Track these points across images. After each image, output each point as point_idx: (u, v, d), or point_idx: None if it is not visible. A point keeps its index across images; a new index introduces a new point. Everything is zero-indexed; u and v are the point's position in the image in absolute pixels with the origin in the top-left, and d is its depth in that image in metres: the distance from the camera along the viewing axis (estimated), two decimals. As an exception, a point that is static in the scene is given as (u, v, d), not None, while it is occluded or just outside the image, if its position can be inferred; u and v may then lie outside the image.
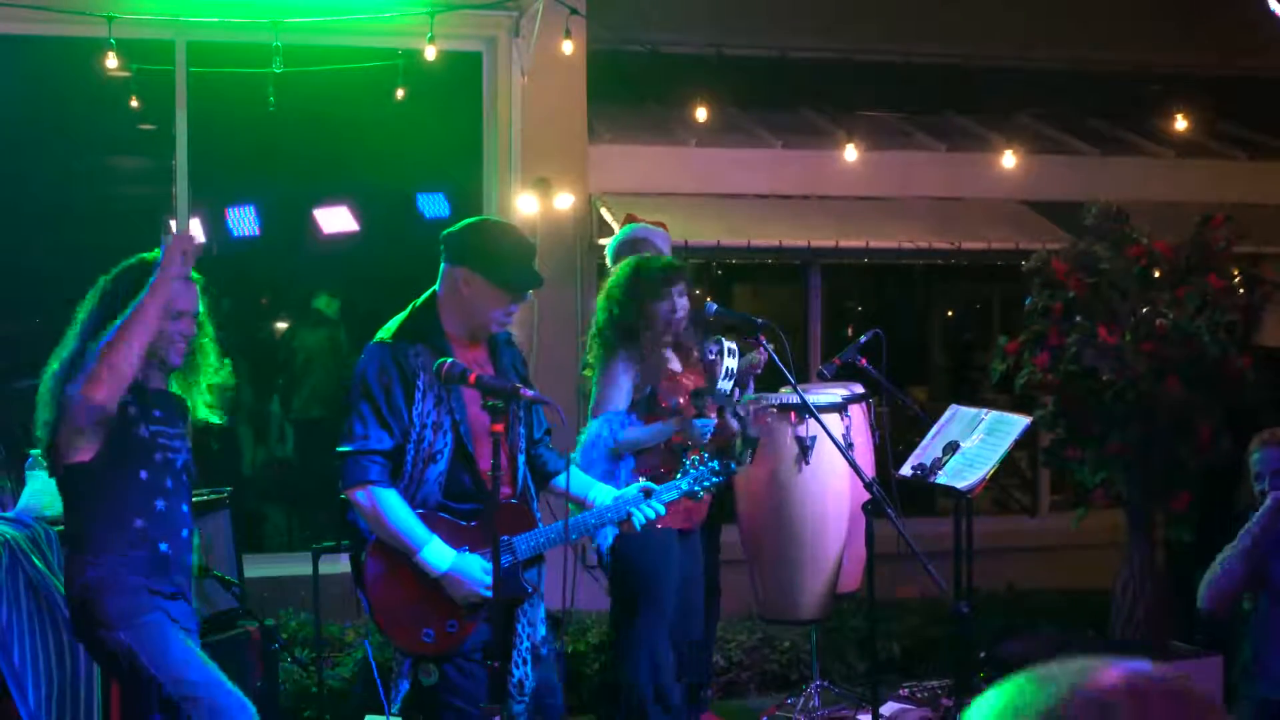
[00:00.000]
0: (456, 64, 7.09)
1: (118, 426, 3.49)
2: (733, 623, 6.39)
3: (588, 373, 4.85)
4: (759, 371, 5.01)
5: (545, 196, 6.89)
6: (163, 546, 3.53)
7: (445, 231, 3.81)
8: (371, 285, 8.41)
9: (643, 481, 3.97)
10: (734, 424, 4.78)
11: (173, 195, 6.76)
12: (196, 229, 3.56)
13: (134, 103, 6.86)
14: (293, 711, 5.63)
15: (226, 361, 3.82)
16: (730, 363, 4.76)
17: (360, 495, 3.60)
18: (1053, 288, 5.96)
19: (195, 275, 3.57)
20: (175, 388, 3.72)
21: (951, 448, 4.97)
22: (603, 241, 6.91)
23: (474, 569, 3.60)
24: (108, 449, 3.48)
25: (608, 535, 4.42)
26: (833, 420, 5.11)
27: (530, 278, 3.76)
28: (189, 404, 3.75)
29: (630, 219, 5.68)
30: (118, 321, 3.40)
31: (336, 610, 5.49)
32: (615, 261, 5.23)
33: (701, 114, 7.48)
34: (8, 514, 4.62)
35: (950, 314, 10.53)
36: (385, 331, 3.75)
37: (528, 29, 6.82)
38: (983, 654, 5.59)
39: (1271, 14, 5.07)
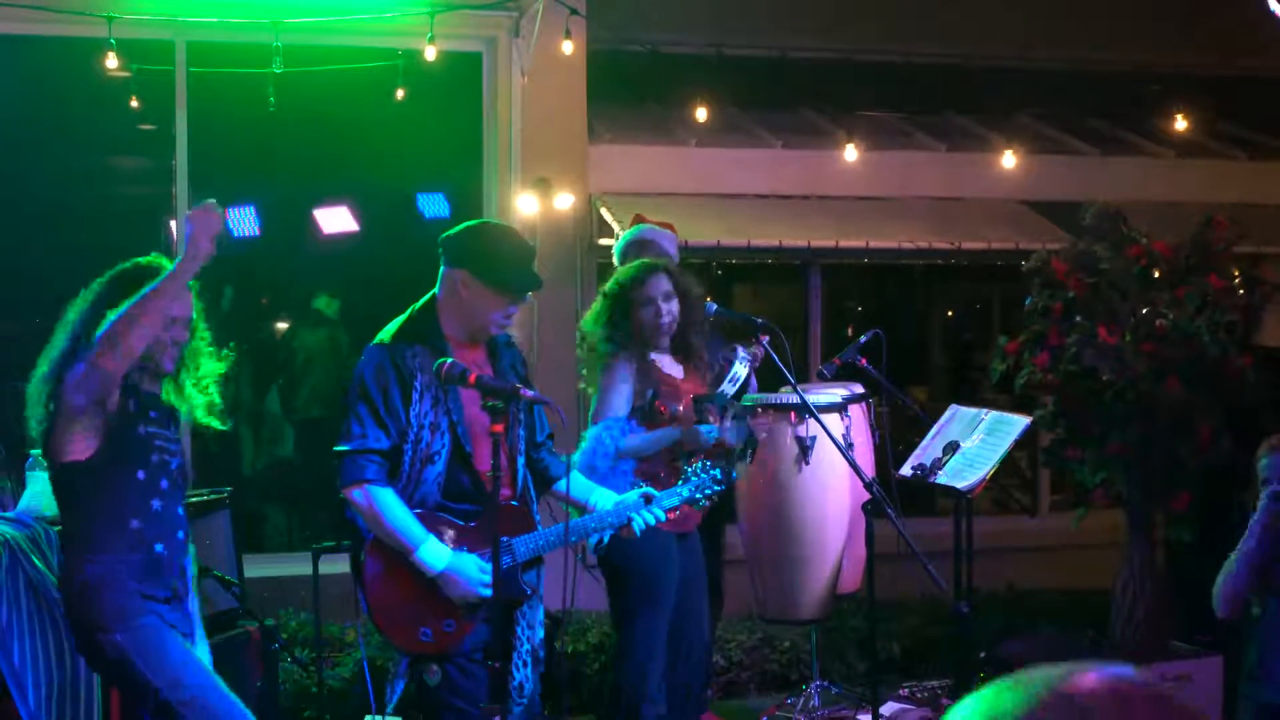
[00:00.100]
0: (456, 64, 7.09)
1: (117, 424, 3.49)
2: (733, 623, 6.39)
3: (584, 386, 4.84)
4: (756, 365, 5.00)
5: (545, 197, 6.89)
6: (158, 548, 3.53)
7: (444, 234, 3.81)
8: (371, 285, 8.41)
9: (644, 487, 3.97)
10: (729, 437, 4.77)
11: (173, 195, 6.75)
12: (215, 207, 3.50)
13: (134, 103, 6.86)
14: (293, 711, 5.64)
15: (223, 365, 3.80)
16: (741, 370, 4.72)
17: (357, 494, 3.62)
18: (1053, 288, 5.96)
19: (191, 283, 3.57)
20: (168, 394, 3.70)
21: (951, 448, 4.97)
22: (603, 241, 6.92)
23: (471, 568, 3.60)
24: (107, 446, 3.48)
25: (604, 537, 4.41)
26: (833, 420, 5.10)
27: (529, 280, 3.76)
28: (185, 409, 3.74)
29: (638, 220, 5.67)
30: (133, 299, 3.38)
31: (336, 610, 5.49)
32: (622, 262, 5.23)
33: (701, 114, 7.48)
34: (8, 514, 4.62)
35: (950, 314, 10.52)
36: (385, 333, 3.76)
37: (528, 29, 6.82)
38: (983, 654, 5.59)
39: (1271, 14, 5.07)
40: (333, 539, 5.01)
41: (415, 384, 3.64)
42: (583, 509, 3.91)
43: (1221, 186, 7.87)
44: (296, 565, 5.83)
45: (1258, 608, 4.23)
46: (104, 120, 7.55)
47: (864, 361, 5.21)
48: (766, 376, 5.17)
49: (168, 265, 3.52)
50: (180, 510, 3.65)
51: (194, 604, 3.74)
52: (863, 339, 5.23)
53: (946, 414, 5.21)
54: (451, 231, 3.81)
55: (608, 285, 4.82)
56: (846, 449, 4.87)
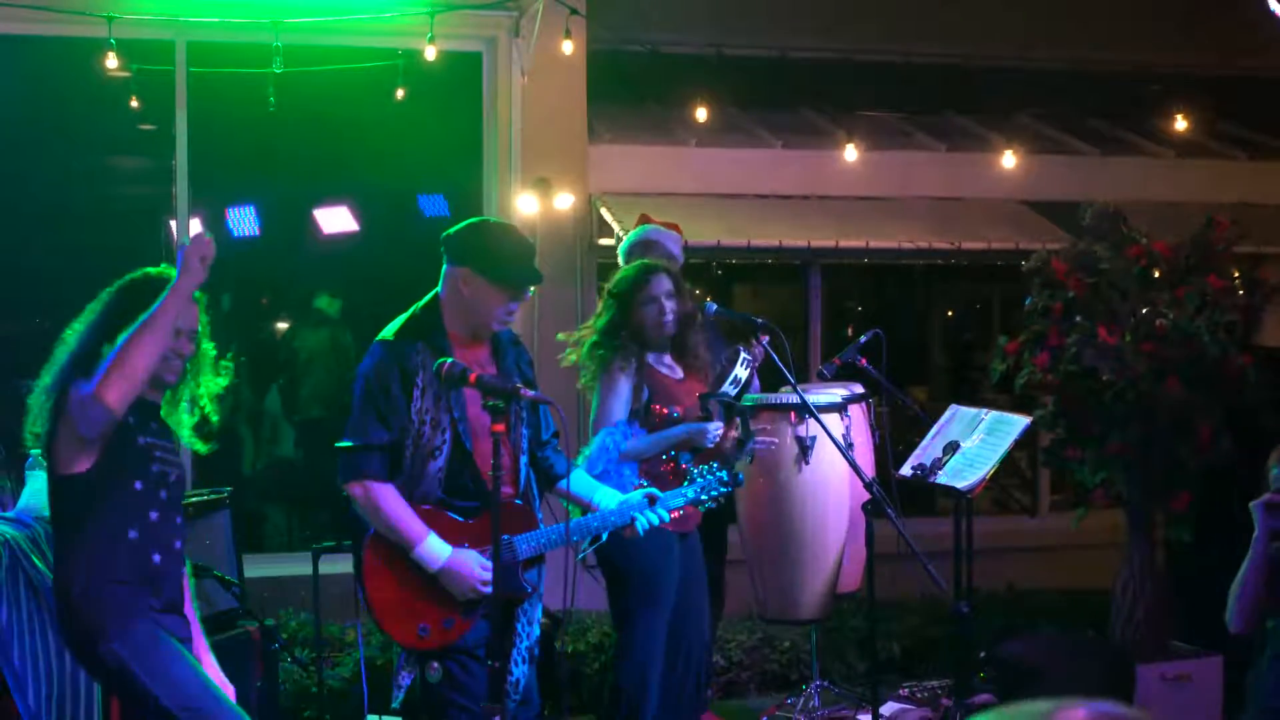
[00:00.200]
0: (456, 64, 7.09)
1: (117, 435, 3.47)
2: (733, 623, 6.39)
3: (586, 381, 4.82)
4: (757, 365, 5.00)
5: (545, 196, 6.89)
6: (155, 558, 3.51)
7: (445, 233, 3.83)
8: (372, 285, 8.43)
9: (648, 487, 3.96)
10: (736, 438, 4.76)
11: (173, 195, 6.76)
12: (198, 227, 3.48)
13: (134, 103, 6.86)
14: (293, 711, 5.64)
15: (224, 380, 3.77)
16: (742, 372, 4.71)
17: (357, 490, 3.64)
18: (1053, 288, 5.95)
19: (197, 295, 3.56)
20: (165, 407, 3.68)
21: (951, 448, 4.97)
22: (603, 241, 6.92)
23: (471, 565, 3.61)
24: (106, 458, 3.46)
25: (603, 536, 4.40)
26: (833, 420, 5.10)
27: (529, 274, 3.77)
28: (174, 425, 3.71)
29: (644, 220, 5.66)
30: (131, 327, 3.36)
31: (336, 610, 5.49)
32: (626, 262, 5.23)
33: (701, 114, 7.48)
34: (8, 514, 4.61)
35: (950, 314, 10.52)
36: (388, 330, 3.77)
37: (528, 29, 6.83)
38: (983, 654, 5.60)
39: (1271, 14, 5.07)
40: (333, 539, 5.01)
41: (417, 381, 3.65)
42: (586, 508, 3.91)
43: (1221, 186, 7.87)
44: (296, 565, 5.84)
45: (1272, 620, 4.19)
46: (104, 120, 7.56)
47: (864, 361, 5.21)
48: (767, 376, 5.16)
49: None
50: (179, 519, 3.64)
51: (192, 610, 3.73)
52: (863, 339, 5.23)
53: (946, 414, 5.21)
54: (453, 229, 3.82)
55: (610, 285, 4.82)
56: (846, 449, 4.87)
